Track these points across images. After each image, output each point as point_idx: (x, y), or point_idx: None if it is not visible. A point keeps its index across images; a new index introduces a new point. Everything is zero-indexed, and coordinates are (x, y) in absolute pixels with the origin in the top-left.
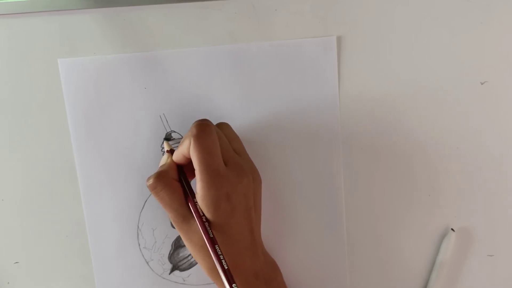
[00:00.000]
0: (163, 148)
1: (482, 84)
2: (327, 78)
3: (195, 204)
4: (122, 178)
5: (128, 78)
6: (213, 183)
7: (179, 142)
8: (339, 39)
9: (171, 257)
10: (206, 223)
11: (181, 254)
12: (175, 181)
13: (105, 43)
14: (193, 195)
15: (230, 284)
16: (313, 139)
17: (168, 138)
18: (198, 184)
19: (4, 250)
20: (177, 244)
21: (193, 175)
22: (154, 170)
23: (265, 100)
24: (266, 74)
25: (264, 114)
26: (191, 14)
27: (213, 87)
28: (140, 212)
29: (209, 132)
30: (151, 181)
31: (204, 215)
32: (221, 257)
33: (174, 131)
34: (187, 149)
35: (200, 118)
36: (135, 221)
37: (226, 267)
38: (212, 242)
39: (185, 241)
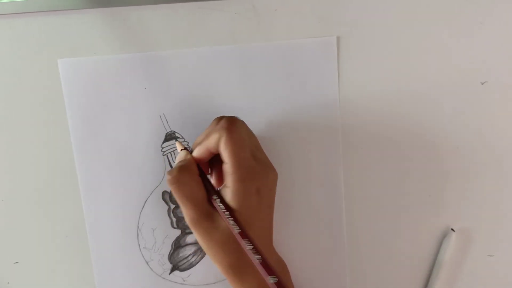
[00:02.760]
0: (163, 148)
1: (482, 84)
2: (327, 78)
3: (222, 199)
4: (122, 178)
5: (128, 78)
6: (246, 176)
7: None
8: (339, 39)
9: (171, 257)
10: (232, 218)
11: (181, 254)
12: (198, 176)
13: (105, 43)
14: (216, 192)
15: (271, 273)
16: (313, 139)
17: (168, 138)
18: (230, 177)
19: (4, 250)
20: (177, 244)
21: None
22: (154, 170)
23: (265, 100)
24: (266, 74)
25: (263, 114)
26: (191, 14)
27: (213, 87)
28: (140, 212)
29: (240, 126)
30: (174, 173)
31: (230, 210)
32: (250, 248)
33: (174, 131)
34: (214, 143)
35: (198, 119)
36: (135, 221)
37: (262, 259)
38: (246, 235)
39: (203, 238)
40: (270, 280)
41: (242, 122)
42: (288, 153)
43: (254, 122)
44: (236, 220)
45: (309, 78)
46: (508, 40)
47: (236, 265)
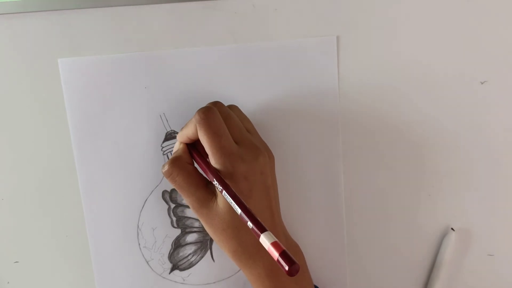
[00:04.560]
0: (163, 147)
1: (482, 83)
2: (327, 78)
3: (206, 161)
4: (122, 178)
5: (128, 78)
6: (229, 163)
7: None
8: (339, 39)
9: (171, 256)
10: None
11: (181, 254)
12: (190, 165)
13: (105, 43)
14: (206, 161)
15: (262, 231)
16: (313, 138)
17: (168, 138)
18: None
19: (4, 250)
20: (177, 244)
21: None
22: (154, 169)
23: (265, 100)
24: (266, 74)
25: (263, 114)
26: (191, 14)
27: (213, 87)
28: (140, 212)
29: (213, 116)
30: (166, 167)
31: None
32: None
33: (175, 131)
34: (191, 133)
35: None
36: (135, 220)
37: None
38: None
39: (205, 225)
40: (263, 238)
41: (216, 111)
42: (289, 152)
43: (254, 121)
44: (230, 192)
45: (309, 77)
46: (508, 40)
47: (240, 250)
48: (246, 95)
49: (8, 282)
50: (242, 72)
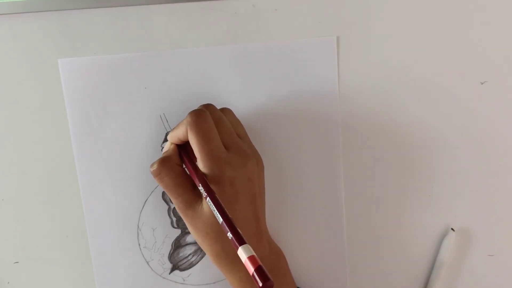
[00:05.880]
0: (163, 148)
1: (482, 84)
2: (327, 78)
3: (194, 164)
4: (122, 178)
5: (128, 78)
6: (216, 168)
7: None
8: (339, 39)
9: (171, 256)
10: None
11: (181, 254)
12: (178, 166)
13: (105, 43)
14: (194, 165)
15: (240, 243)
16: (313, 138)
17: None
18: (202, 171)
19: (4, 250)
20: (177, 244)
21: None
22: None
23: (265, 101)
24: (266, 74)
25: (264, 114)
26: (191, 14)
27: (213, 87)
28: (140, 212)
29: (204, 118)
30: (155, 166)
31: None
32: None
33: None
34: (182, 134)
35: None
36: (135, 221)
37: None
38: (221, 211)
39: (189, 227)
40: (241, 250)
41: (208, 113)
42: (288, 152)
43: (254, 121)
44: (214, 200)
45: (309, 78)
46: (508, 40)
47: (222, 254)
48: (246, 95)
49: (8, 282)
50: (242, 72)
